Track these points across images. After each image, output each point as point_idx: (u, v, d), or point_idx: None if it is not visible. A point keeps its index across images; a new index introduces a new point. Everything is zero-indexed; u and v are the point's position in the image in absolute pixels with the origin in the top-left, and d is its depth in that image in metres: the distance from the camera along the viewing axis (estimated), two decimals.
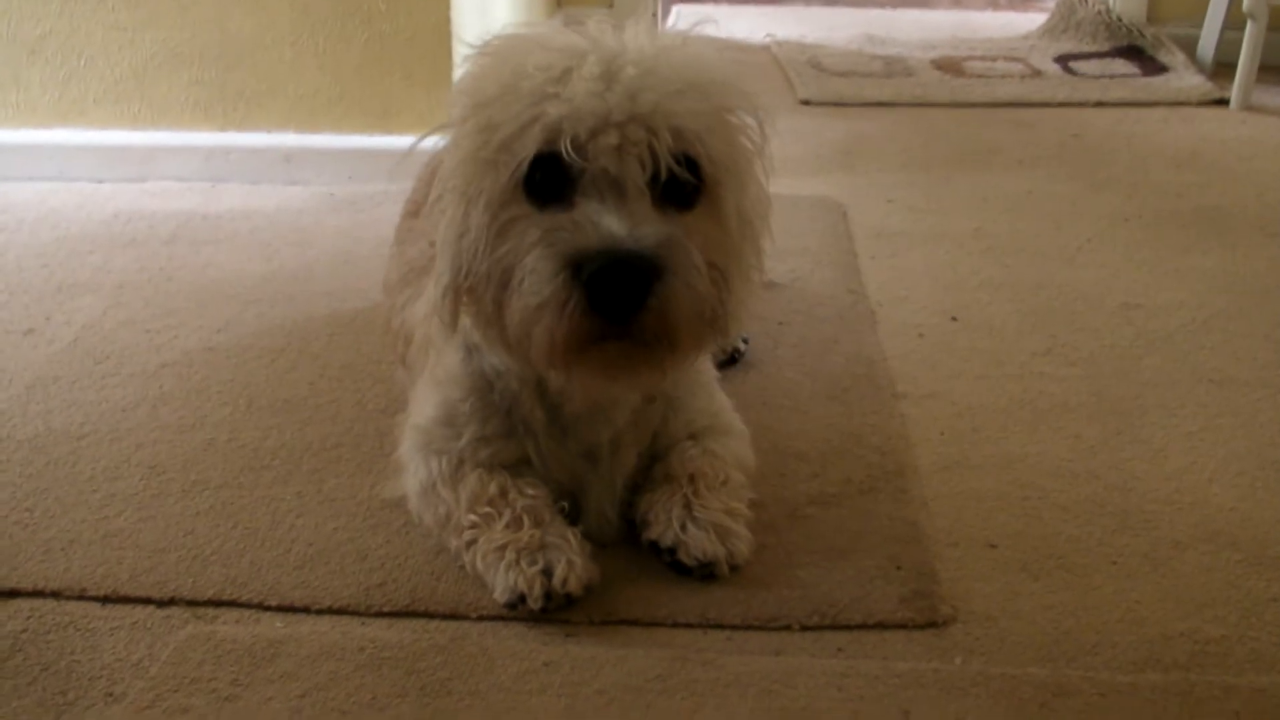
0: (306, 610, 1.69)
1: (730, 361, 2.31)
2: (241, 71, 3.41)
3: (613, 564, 1.76)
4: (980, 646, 1.62)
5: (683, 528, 1.74)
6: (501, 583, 1.66)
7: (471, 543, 1.72)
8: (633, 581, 1.73)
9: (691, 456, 1.84)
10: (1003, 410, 2.21)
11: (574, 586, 1.66)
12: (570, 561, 1.67)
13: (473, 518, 1.73)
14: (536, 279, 1.51)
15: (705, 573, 1.73)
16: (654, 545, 1.76)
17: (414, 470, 1.83)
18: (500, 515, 1.72)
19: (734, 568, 1.74)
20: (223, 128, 3.45)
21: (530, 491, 1.76)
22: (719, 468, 1.83)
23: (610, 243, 1.48)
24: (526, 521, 1.71)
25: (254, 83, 3.41)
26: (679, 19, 5.76)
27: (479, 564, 1.70)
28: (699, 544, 1.73)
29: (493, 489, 1.75)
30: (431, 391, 1.85)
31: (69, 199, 3.34)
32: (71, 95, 3.48)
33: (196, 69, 3.41)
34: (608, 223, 1.50)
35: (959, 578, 1.75)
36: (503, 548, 1.69)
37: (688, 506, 1.76)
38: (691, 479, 1.80)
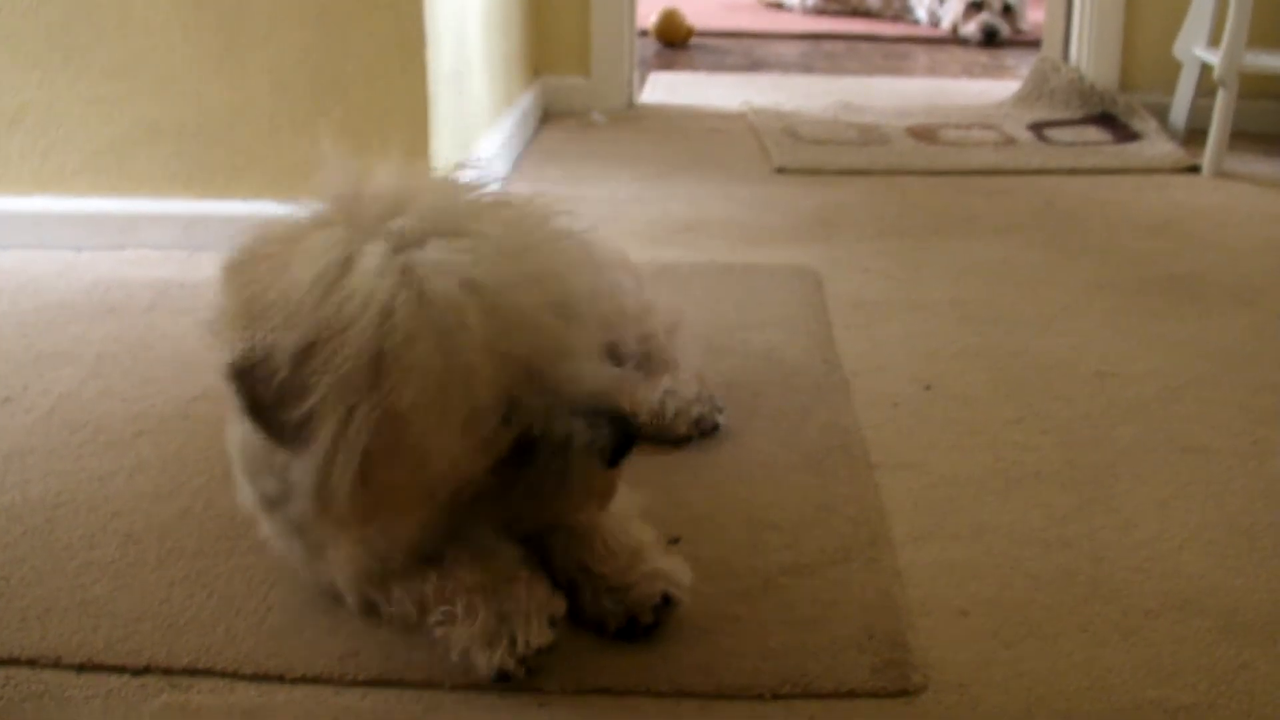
0: (281, 679, 1.69)
1: (710, 432, 2.33)
2: (220, 143, 3.42)
3: (583, 633, 1.77)
4: (952, 715, 1.63)
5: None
6: (485, 665, 1.67)
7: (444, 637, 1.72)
8: (603, 650, 1.73)
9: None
10: (976, 479, 2.22)
11: (539, 639, 1.67)
12: (526, 616, 1.68)
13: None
14: None
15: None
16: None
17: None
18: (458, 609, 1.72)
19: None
20: (201, 197, 3.46)
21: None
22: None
23: None
24: (479, 604, 1.70)
25: (232, 154, 3.43)
26: (656, 87, 5.79)
27: (454, 656, 1.70)
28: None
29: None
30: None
31: (48, 267, 3.35)
32: (51, 165, 3.49)
33: (176, 141, 3.43)
34: None
35: (931, 646, 1.76)
36: (471, 636, 1.69)
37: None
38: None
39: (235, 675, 1.70)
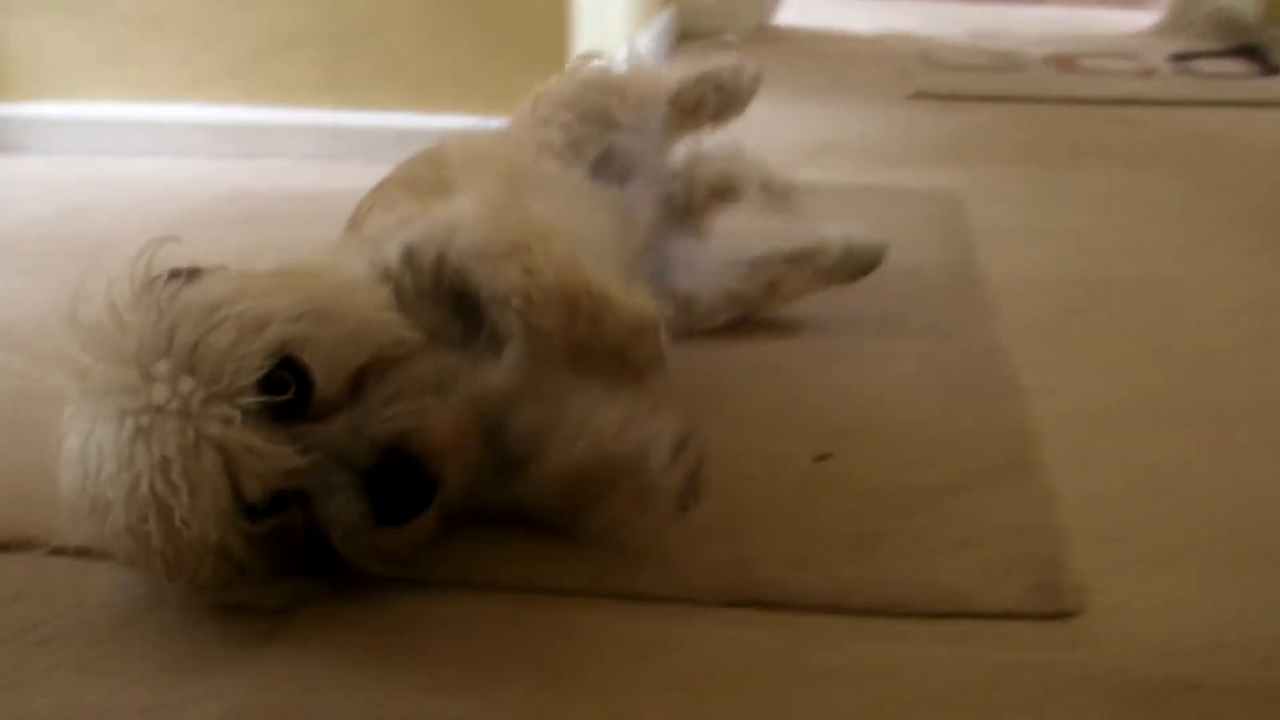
0: (426, 581, 1.70)
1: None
2: (359, 52, 3.43)
3: (736, 546, 1.76)
4: (1106, 640, 1.60)
5: None
6: None
7: None
8: (757, 564, 1.72)
9: None
10: (1122, 407, 2.19)
11: None
12: None
13: None
14: None
15: None
16: None
17: None
18: None
19: None
20: (339, 107, 3.47)
21: None
22: None
23: None
24: None
25: (371, 63, 3.43)
26: (789, 10, 5.75)
27: None
28: None
29: None
30: None
31: (187, 174, 3.37)
32: (191, 71, 3.51)
33: (315, 48, 3.44)
34: None
35: (1083, 571, 1.73)
36: None
37: None
38: None
39: None
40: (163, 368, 1.49)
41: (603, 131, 2.37)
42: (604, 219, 2.21)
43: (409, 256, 1.75)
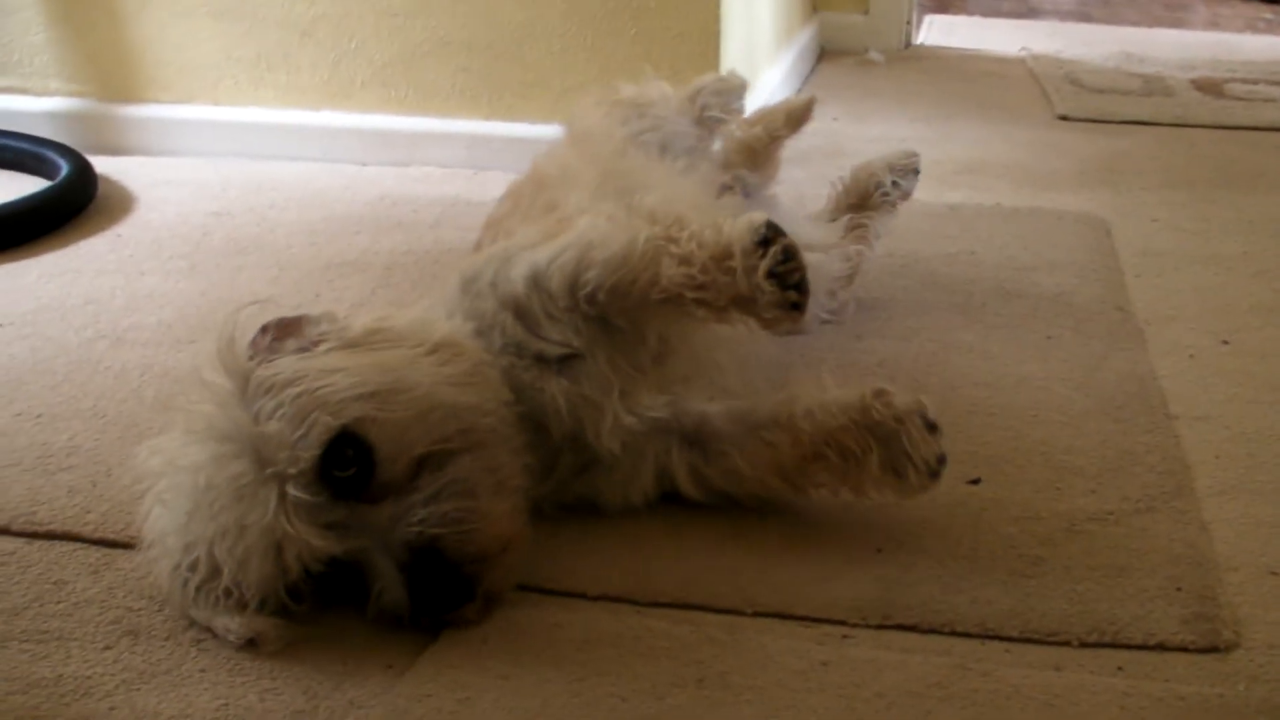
0: (583, 596, 1.71)
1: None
2: (509, 62, 3.44)
3: (887, 569, 1.75)
4: (1265, 674, 1.58)
5: None
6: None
7: None
8: (910, 585, 1.72)
9: None
10: (1277, 436, 2.16)
11: None
12: None
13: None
14: None
15: None
16: None
17: None
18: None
19: None
20: (488, 116, 3.49)
21: None
22: None
23: None
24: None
25: (521, 73, 3.44)
26: (932, 29, 5.73)
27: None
28: None
29: None
30: None
31: (334, 180, 3.40)
32: (340, 78, 3.54)
33: (464, 57, 3.45)
34: None
35: (1240, 603, 1.71)
36: None
37: None
38: None
39: (540, 590, 1.72)
40: (227, 448, 1.55)
41: (657, 126, 2.53)
42: (693, 184, 2.33)
43: (535, 282, 1.78)
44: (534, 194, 2.23)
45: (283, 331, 1.66)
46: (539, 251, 1.81)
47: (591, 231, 1.79)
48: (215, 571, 1.56)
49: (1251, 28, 6.29)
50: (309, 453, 1.53)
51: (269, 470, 1.52)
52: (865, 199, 2.60)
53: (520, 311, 1.78)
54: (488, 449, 1.67)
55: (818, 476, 1.83)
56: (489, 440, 1.68)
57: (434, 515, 1.57)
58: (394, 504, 1.57)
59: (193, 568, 1.58)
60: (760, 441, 1.84)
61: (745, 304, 1.72)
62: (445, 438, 1.62)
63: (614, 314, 1.78)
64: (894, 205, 2.64)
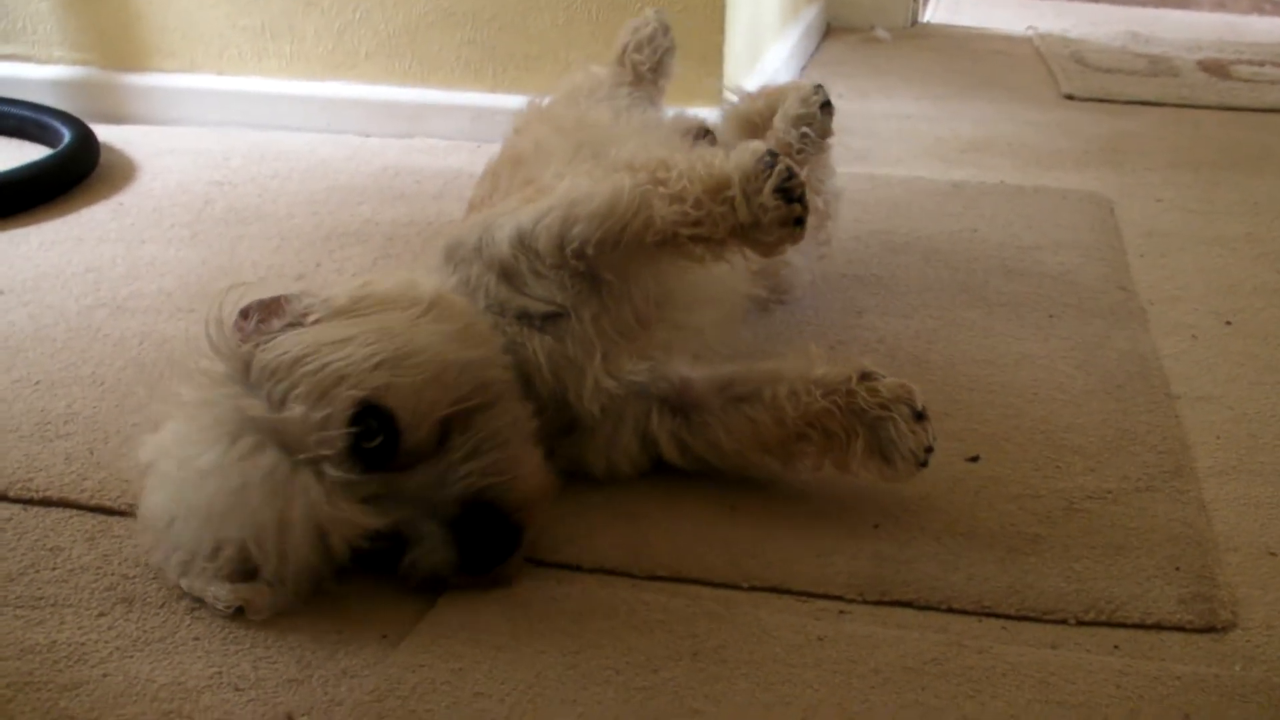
0: (579, 568, 1.71)
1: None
2: (514, 34, 3.43)
3: (884, 545, 1.75)
4: (1261, 655, 1.58)
5: None
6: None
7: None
8: (907, 564, 1.71)
9: None
10: (1278, 417, 2.15)
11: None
12: None
13: None
14: None
15: None
16: None
17: None
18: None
19: None
20: (492, 89, 3.48)
21: None
22: None
23: None
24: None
25: (525, 45, 3.44)
26: (939, 7, 5.72)
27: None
28: None
29: None
30: None
31: (337, 151, 3.39)
32: (345, 48, 3.53)
33: (469, 29, 3.44)
34: None
35: (1238, 583, 1.71)
36: None
37: None
38: None
39: (536, 561, 1.71)
40: (248, 441, 1.52)
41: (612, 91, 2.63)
42: (661, 134, 2.38)
43: (521, 242, 1.78)
44: (511, 172, 2.22)
45: (266, 312, 1.63)
46: (522, 214, 1.80)
47: (574, 190, 1.79)
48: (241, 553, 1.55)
49: (1258, 9, 6.28)
50: (337, 431, 1.52)
51: (300, 456, 1.51)
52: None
53: (506, 272, 1.78)
54: (505, 401, 1.68)
55: (801, 453, 1.84)
56: (505, 393, 1.69)
57: (477, 469, 1.58)
58: (430, 467, 1.57)
59: (212, 557, 1.57)
60: (743, 416, 1.85)
61: (745, 231, 1.73)
62: (464, 396, 1.62)
63: (604, 268, 1.78)
64: (820, 149, 2.53)
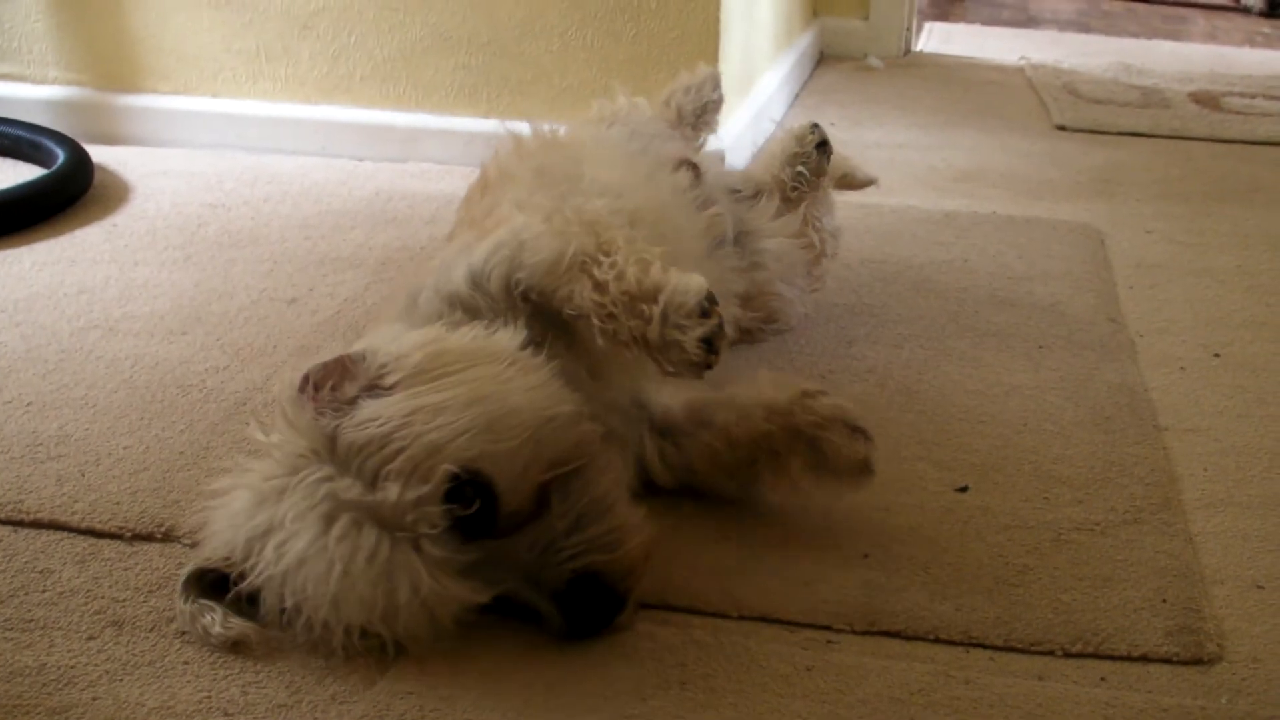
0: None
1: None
2: (508, 59, 3.44)
3: (873, 574, 1.76)
4: (1247, 687, 1.58)
5: None
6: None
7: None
8: (896, 593, 1.72)
9: None
10: (1268, 451, 2.16)
11: None
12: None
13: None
14: None
15: None
16: None
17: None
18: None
19: None
20: (486, 114, 3.49)
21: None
22: None
23: None
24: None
25: (520, 71, 3.44)
26: (931, 36, 5.73)
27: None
28: None
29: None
30: None
31: (331, 174, 3.40)
32: (339, 72, 3.54)
33: (464, 54, 3.45)
34: None
35: (1224, 616, 1.72)
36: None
37: None
38: None
39: None
40: (344, 523, 1.50)
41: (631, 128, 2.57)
42: (660, 180, 2.31)
43: (474, 281, 1.78)
44: (479, 199, 2.22)
45: (333, 376, 1.60)
46: (474, 252, 1.80)
47: (525, 231, 1.78)
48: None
49: (1250, 41, 6.30)
50: (435, 507, 1.49)
51: (400, 535, 1.49)
52: (786, 199, 2.57)
53: (467, 308, 1.77)
54: (601, 456, 1.66)
55: (755, 475, 1.86)
56: (600, 448, 1.67)
57: (582, 543, 1.56)
58: (531, 535, 1.56)
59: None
60: (703, 442, 1.88)
61: (648, 347, 1.69)
62: (560, 458, 1.60)
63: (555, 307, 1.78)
64: (815, 188, 2.58)
